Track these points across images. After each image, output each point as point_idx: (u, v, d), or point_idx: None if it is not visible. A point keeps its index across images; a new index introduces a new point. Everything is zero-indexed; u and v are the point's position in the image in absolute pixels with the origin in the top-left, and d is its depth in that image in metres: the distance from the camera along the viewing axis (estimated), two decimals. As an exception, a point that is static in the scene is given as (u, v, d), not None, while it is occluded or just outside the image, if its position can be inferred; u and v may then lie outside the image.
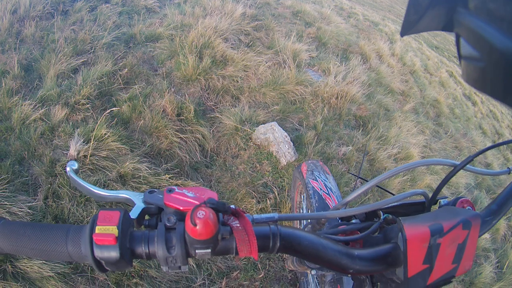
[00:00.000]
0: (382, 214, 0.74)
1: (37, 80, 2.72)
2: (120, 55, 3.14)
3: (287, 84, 3.43)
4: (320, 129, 3.17)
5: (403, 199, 0.68)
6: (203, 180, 2.61)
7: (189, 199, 0.55)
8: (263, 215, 0.63)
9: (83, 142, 2.22)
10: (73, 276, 1.76)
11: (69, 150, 2.19)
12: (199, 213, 0.47)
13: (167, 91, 2.88)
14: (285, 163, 2.72)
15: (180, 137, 2.68)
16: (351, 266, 0.60)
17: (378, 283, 0.73)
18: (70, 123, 2.43)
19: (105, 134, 2.32)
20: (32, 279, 1.68)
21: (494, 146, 0.78)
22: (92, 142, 2.21)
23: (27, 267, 1.67)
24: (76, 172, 0.65)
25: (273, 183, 2.61)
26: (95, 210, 1.99)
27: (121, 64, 3.04)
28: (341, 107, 3.54)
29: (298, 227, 1.28)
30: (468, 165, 0.71)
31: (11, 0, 3.28)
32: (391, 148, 3.37)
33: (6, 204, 1.83)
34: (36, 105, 2.44)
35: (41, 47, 3.01)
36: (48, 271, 1.68)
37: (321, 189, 1.54)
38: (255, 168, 2.71)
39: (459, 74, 7.32)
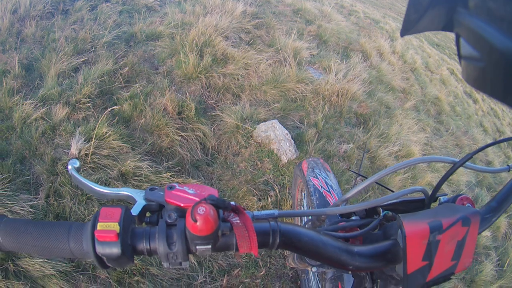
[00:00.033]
0: (381, 211, 0.74)
1: (38, 80, 2.72)
2: (120, 53, 3.14)
3: (288, 82, 3.43)
4: (321, 127, 3.17)
5: (402, 196, 0.68)
6: (204, 178, 2.62)
7: (189, 196, 0.55)
8: (263, 212, 0.64)
9: (84, 141, 2.23)
10: (74, 274, 1.77)
11: (70, 149, 2.19)
12: (200, 209, 0.47)
13: (168, 89, 2.89)
14: (286, 161, 2.73)
15: (181, 135, 2.69)
16: (350, 262, 0.60)
17: (378, 280, 0.73)
18: (71, 122, 2.44)
19: (106, 132, 2.32)
20: (34, 278, 1.68)
21: (494, 143, 0.78)
22: (93, 141, 2.21)
23: (29, 266, 1.67)
24: (77, 170, 0.65)
25: (274, 180, 2.61)
26: (96, 208, 2.00)
27: (122, 62, 3.04)
28: (342, 105, 3.53)
29: (299, 224, 1.28)
30: (468, 162, 0.71)
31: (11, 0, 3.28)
32: (392, 145, 3.37)
33: (8, 203, 1.84)
34: (37, 104, 2.44)
35: (42, 46, 3.02)
36: (50, 269, 1.69)
37: (321, 187, 1.55)
38: (256, 166, 2.71)
39: (460, 72, 7.31)
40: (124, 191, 0.61)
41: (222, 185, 2.58)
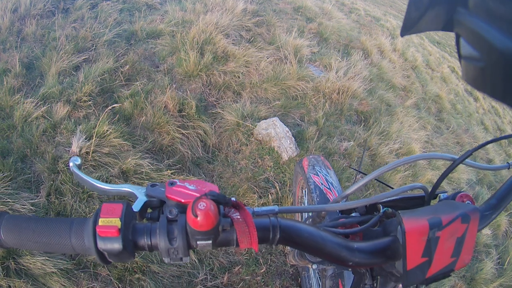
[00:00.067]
0: (381, 208, 0.74)
1: (39, 78, 2.72)
2: (121, 52, 3.14)
3: (289, 80, 3.43)
4: (322, 124, 3.17)
5: (402, 192, 0.68)
6: (205, 176, 2.62)
7: (190, 192, 0.55)
8: (264, 208, 0.64)
9: (85, 139, 2.23)
10: (75, 272, 1.77)
11: (71, 147, 2.19)
12: (200, 205, 0.47)
13: (168, 87, 2.89)
14: (287, 158, 2.73)
15: (182, 133, 2.69)
16: (350, 258, 0.60)
17: (378, 277, 0.74)
18: (72, 120, 2.44)
19: (107, 130, 2.33)
20: (35, 276, 1.69)
21: (494, 140, 0.78)
22: (94, 139, 2.21)
23: (30, 264, 1.68)
24: (79, 167, 0.66)
25: (274, 178, 2.61)
26: (97, 206, 2.00)
27: (122, 61, 3.04)
28: (342, 102, 3.53)
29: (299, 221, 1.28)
30: (468, 160, 0.71)
31: (12, -2, 3.29)
32: (393, 143, 3.36)
33: (9, 201, 1.84)
34: (38, 102, 2.45)
35: (42, 45, 3.02)
36: (51, 267, 1.69)
37: (322, 184, 1.55)
38: (256, 163, 2.72)
39: (460, 70, 7.29)
40: (125, 188, 0.62)
41: (223, 182, 2.58)
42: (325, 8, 5.62)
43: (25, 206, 1.87)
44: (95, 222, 0.49)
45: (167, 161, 2.51)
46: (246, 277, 2.06)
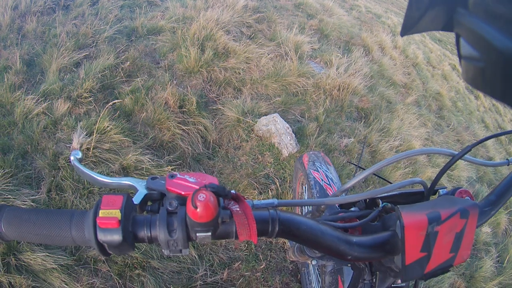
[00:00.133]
0: (381, 202, 0.74)
1: (40, 75, 2.72)
2: (122, 48, 3.14)
3: (289, 76, 3.43)
4: (322, 121, 3.17)
5: (402, 187, 0.68)
6: (205, 172, 2.62)
7: (190, 184, 0.56)
8: (263, 201, 0.64)
9: (86, 135, 2.23)
10: (76, 268, 1.78)
11: (72, 143, 2.20)
12: (200, 196, 0.48)
13: (169, 83, 2.89)
14: (287, 155, 2.73)
15: (183, 129, 2.69)
16: (349, 252, 0.60)
17: (377, 272, 0.74)
18: (73, 116, 2.44)
19: (108, 126, 2.33)
20: (36, 272, 1.69)
21: (493, 136, 0.78)
22: (95, 135, 2.22)
23: (31, 260, 1.68)
24: (80, 161, 0.66)
25: (275, 174, 2.62)
26: (98, 202, 2.00)
27: (123, 57, 3.04)
28: (343, 99, 3.53)
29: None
30: (467, 155, 0.71)
31: (12, -4, 3.28)
32: (393, 140, 3.36)
33: (10, 197, 1.85)
34: (38, 99, 2.45)
35: (43, 42, 3.02)
36: (52, 263, 1.70)
37: (322, 180, 1.55)
38: (257, 159, 2.72)
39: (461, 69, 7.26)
40: (126, 181, 0.62)
41: (223, 178, 2.59)
42: (326, 4, 5.61)
43: (26, 202, 1.88)
44: (96, 213, 0.49)
45: (168, 157, 2.51)
46: (246, 273, 2.06)
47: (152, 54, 3.27)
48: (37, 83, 2.65)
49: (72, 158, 0.66)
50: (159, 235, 0.51)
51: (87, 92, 2.58)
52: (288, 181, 2.57)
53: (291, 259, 1.09)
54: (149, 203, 0.60)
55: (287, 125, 2.88)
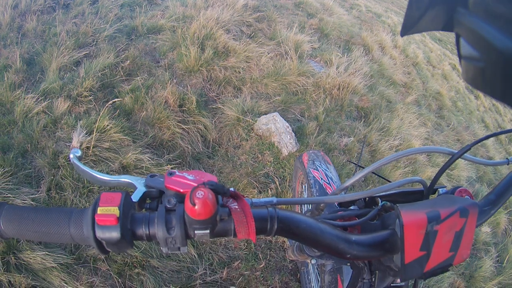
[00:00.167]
0: (380, 201, 0.74)
1: (40, 74, 2.72)
2: (122, 47, 3.14)
3: (289, 75, 3.42)
4: (322, 120, 3.17)
5: (401, 186, 0.68)
6: (205, 171, 2.62)
7: (189, 182, 0.55)
8: (262, 199, 0.64)
9: (86, 134, 2.23)
10: (75, 266, 1.78)
11: (71, 142, 2.19)
12: (198, 193, 0.47)
13: (169, 82, 2.89)
14: (287, 154, 2.73)
15: (182, 128, 2.69)
16: (348, 251, 0.60)
17: (377, 272, 0.74)
18: (73, 115, 2.44)
19: (108, 125, 2.33)
20: (35, 270, 1.69)
21: (493, 135, 0.78)
22: (94, 134, 2.22)
23: (30, 259, 1.68)
24: (79, 159, 0.66)
25: (274, 173, 2.62)
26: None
27: (123, 56, 3.04)
28: (343, 98, 3.53)
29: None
30: (467, 154, 0.71)
31: (12, -6, 3.28)
32: (393, 139, 3.36)
33: (10, 196, 1.85)
34: (38, 98, 2.45)
35: (43, 40, 3.02)
36: (51, 262, 1.70)
37: (322, 179, 1.55)
38: (256, 158, 2.72)
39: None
40: (125, 179, 0.62)
41: (223, 177, 2.59)
42: (326, 3, 5.60)
43: (26, 202, 1.88)
44: (94, 210, 0.49)
45: (168, 156, 2.51)
46: (245, 272, 2.06)
47: (152, 53, 3.27)
48: (37, 82, 2.65)
49: (71, 156, 0.66)
50: (157, 233, 0.51)
51: (87, 91, 2.58)
52: (288, 180, 2.57)
53: (291, 258, 1.09)
54: (148, 200, 0.60)
55: (287, 124, 2.88)
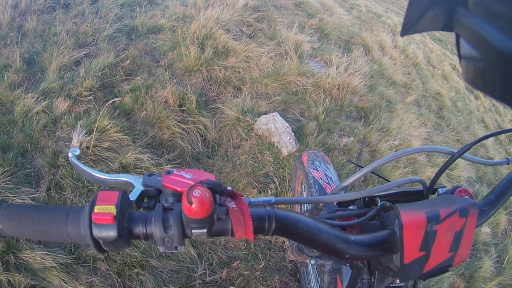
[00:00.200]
0: (379, 201, 0.74)
1: (40, 73, 2.72)
2: (122, 47, 3.14)
3: (289, 75, 3.42)
4: (322, 120, 3.16)
5: (401, 185, 0.68)
6: (204, 171, 2.62)
7: (186, 180, 0.55)
8: (260, 198, 0.64)
9: (86, 134, 2.23)
10: (75, 266, 1.78)
11: (71, 142, 2.19)
12: (195, 192, 0.47)
13: (169, 82, 2.89)
14: (286, 154, 2.73)
15: (182, 128, 2.69)
16: (347, 251, 0.59)
17: (376, 272, 0.73)
18: (73, 115, 2.44)
19: (108, 125, 2.33)
20: (35, 270, 1.69)
21: (493, 134, 0.77)
22: (94, 133, 2.21)
23: (30, 258, 1.68)
24: (78, 158, 0.66)
25: (274, 173, 2.62)
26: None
27: (123, 55, 3.04)
28: (342, 98, 3.53)
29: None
30: (466, 154, 0.71)
31: (12, -6, 3.28)
32: (393, 139, 3.36)
33: (10, 196, 1.85)
34: (38, 97, 2.45)
35: (43, 40, 3.02)
36: (51, 261, 1.70)
37: (321, 179, 1.55)
38: (256, 158, 2.72)
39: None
40: (123, 177, 0.61)
41: (223, 177, 2.58)
42: (326, 4, 5.60)
43: (25, 201, 1.88)
44: (91, 209, 0.49)
45: (167, 155, 2.51)
46: (245, 272, 2.06)
47: (152, 53, 3.27)
48: (37, 82, 2.65)
49: (70, 154, 0.65)
50: (154, 232, 0.51)
51: (87, 91, 2.58)
52: (288, 180, 2.57)
53: (290, 259, 1.09)
54: (145, 199, 0.59)
55: (287, 124, 2.88)
